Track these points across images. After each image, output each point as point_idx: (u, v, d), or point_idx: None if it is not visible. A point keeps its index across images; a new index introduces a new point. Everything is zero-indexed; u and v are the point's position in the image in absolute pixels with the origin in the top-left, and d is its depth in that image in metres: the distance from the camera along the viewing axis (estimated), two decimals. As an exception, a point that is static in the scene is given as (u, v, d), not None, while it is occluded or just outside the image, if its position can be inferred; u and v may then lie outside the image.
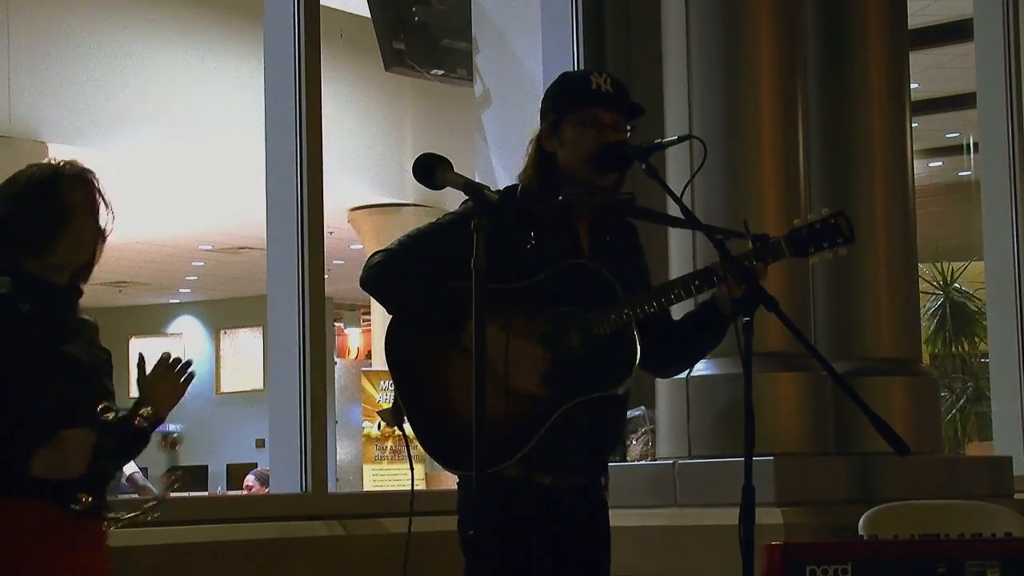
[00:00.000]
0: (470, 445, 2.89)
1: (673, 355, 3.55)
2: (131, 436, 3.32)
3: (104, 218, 3.32)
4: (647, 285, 3.50)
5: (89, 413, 3.23)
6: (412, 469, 3.42)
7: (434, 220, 3.50)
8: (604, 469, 3.52)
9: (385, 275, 3.41)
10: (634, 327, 3.34)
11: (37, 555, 3.17)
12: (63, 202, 3.25)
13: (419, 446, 3.36)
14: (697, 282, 3.37)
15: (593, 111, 3.42)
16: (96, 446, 3.17)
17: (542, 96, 3.57)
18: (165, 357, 3.32)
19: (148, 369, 3.32)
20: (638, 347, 3.34)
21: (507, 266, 3.27)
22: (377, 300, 3.53)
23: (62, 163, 3.33)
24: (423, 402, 3.37)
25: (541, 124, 3.49)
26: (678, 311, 3.51)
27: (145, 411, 3.30)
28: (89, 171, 3.33)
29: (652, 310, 3.34)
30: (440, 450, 3.31)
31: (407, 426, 3.38)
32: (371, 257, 3.43)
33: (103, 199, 3.32)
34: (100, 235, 3.33)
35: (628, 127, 3.46)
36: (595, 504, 3.50)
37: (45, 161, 3.35)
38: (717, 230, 3.43)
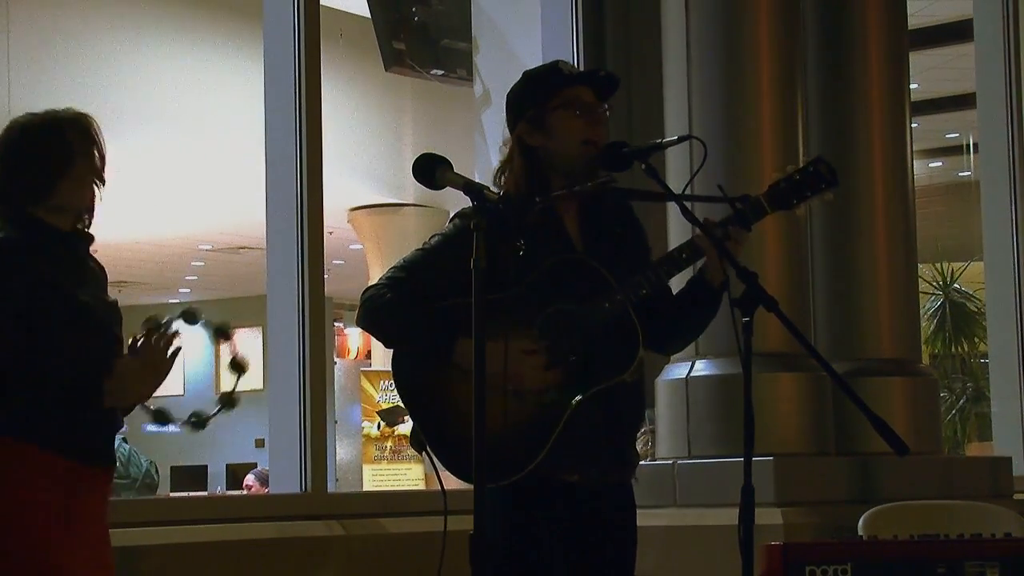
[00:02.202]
0: (494, 459, 2.90)
1: (673, 331, 3.52)
2: None
3: (99, 163, 3.36)
4: (649, 260, 3.47)
5: (111, 350, 3.29)
6: (443, 487, 3.38)
7: (422, 245, 3.47)
8: (631, 461, 3.49)
9: (373, 313, 3.39)
10: (632, 312, 3.33)
11: (48, 505, 3.20)
12: (63, 145, 3.30)
13: (441, 465, 3.34)
14: (684, 255, 3.36)
15: (573, 90, 3.40)
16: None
17: (507, 101, 3.51)
18: (153, 326, 3.35)
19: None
20: (639, 331, 3.33)
21: (502, 276, 3.25)
22: (373, 337, 3.53)
23: (60, 109, 3.37)
24: (438, 425, 3.35)
25: (516, 125, 3.44)
26: (676, 283, 3.48)
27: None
28: (86, 115, 3.38)
29: (645, 292, 3.33)
30: (464, 468, 3.26)
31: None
32: (363, 294, 3.42)
33: (99, 144, 3.35)
34: (99, 179, 3.35)
35: (607, 106, 3.45)
36: (624, 508, 3.48)
37: (41, 110, 3.38)
38: (695, 198, 3.42)
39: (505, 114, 3.51)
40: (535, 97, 3.42)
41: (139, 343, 3.32)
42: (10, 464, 3.18)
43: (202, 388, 21.75)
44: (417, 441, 3.37)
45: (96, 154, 3.36)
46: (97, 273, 3.43)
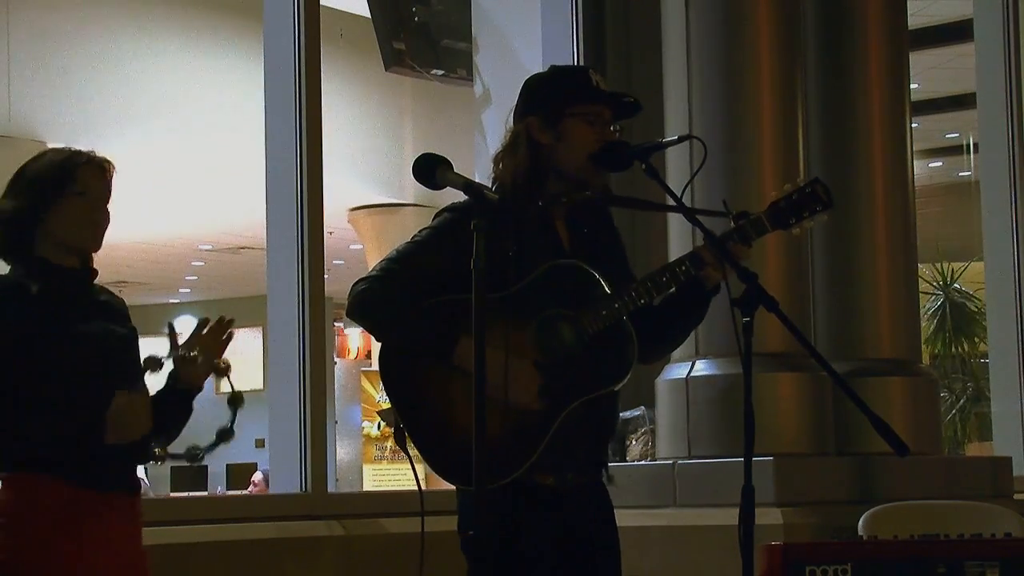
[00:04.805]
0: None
1: (658, 339, 3.51)
2: (178, 402, 3.38)
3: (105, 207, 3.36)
4: (627, 269, 3.48)
5: (126, 380, 3.27)
6: (419, 483, 3.39)
7: (412, 238, 3.45)
8: (603, 462, 3.49)
9: (368, 305, 3.37)
10: (628, 320, 3.33)
11: (65, 536, 3.20)
12: (65, 182, 3.29)
13: (425, 464, 3.34)
14: (684, 267, 3.36)
15: (598, 108, 3.41)
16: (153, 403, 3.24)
17: (525, 87, 3.49)
18: (203, 322, 3.34)
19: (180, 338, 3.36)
20: (635, 340, 3.33)
21: (494, 274, 3.23)
22: (365, 329, 3.52)
23: (81, 150, 3.38)
24: (425, 424, 3.34)
25: (529, 115, 3.43)
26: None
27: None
28: (106, 160, 3.38)
29: (644, 301, 3.32)
30: (448, 468, 3.27)
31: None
32: (354, 286, 3.39)
33: (107, 189, 3.35)
34: (100, 218, 3.36)
35: (619, 126, 3.46)
36: (601, 508, 3.47)
37: (67, 146, 3.39)
38: (699, 211, 3.42)
39: (517, 98, 3.49)
40: (557, 99, 3.41)
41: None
42: (20, 500, 3.19)
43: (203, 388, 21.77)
44: (400, 438, 3.36)
45: (97, 196, 3.34)
46: (113, 306, 3.42)
